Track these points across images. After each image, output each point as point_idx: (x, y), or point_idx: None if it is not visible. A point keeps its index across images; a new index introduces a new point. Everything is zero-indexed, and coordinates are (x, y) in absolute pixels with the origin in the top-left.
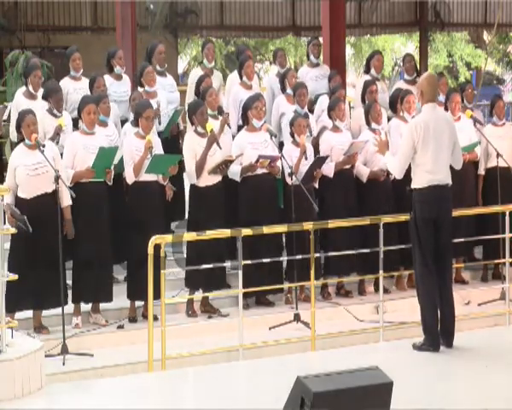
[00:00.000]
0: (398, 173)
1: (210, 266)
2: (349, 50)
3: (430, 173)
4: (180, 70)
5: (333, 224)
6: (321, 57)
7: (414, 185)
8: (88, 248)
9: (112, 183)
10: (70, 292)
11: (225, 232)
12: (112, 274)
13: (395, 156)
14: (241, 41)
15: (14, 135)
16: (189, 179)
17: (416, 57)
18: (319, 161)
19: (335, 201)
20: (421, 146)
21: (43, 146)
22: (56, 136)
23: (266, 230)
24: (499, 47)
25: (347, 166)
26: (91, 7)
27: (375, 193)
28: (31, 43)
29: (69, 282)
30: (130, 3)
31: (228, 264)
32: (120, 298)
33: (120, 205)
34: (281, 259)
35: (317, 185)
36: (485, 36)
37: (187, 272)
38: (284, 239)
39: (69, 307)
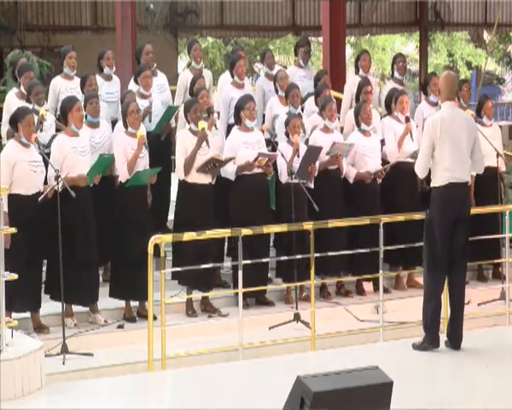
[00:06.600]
0: (419, 172)
1: (209, 266)
2: (349, 50)
3: (448, 171)
4: (180, 70)
5: (332, 224)
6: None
7: (433, 184)
8: (74, 250)
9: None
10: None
11: (225, 232)
12: (98, 276)
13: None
14: (241, 41)
15: (4, 135)
16: (177, 175)
17: (416, 57)
18: (311, 151)
19: (322, 201)
20: (438, 142)
21: (44, 146)
22: (40, 125)
23: (266, 230)
24: (499, 47)
25: (334, 167)
26: (91, 7)
27: (362, 195)
28: (31, 43)
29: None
30: (130, 3)
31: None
32: None
33: (107, 205)
34: (281, 258)
35: (312, 185)
36: (486, 36)
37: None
38: (275, 238)
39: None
